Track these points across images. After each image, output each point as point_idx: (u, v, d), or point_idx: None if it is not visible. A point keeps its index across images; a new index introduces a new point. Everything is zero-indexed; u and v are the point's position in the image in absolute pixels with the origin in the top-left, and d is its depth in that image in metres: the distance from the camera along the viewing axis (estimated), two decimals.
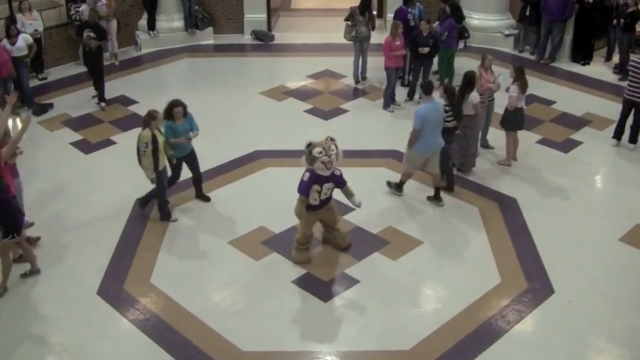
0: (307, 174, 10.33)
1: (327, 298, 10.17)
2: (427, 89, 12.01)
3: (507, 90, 13.21)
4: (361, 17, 16.91)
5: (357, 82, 17.40)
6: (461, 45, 17.60)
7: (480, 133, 13.60)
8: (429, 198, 12.49)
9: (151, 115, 11.21)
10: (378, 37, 18.47)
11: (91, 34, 15.43)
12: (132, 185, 12.81)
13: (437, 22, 16.95)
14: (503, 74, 14.04)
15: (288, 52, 19.78)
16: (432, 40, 15.73)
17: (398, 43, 15.56)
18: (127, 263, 10.90)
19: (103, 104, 16.05)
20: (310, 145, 10.18)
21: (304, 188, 10.37)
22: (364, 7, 17.09)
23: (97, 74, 16.11)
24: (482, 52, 14.71)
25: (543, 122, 15.28)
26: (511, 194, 12.63)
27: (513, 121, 13.17)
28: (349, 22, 17.00)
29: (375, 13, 18.15)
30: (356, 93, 16.91)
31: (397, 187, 12.69)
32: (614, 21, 17.61)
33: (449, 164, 12.70)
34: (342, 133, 13.39)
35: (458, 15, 17.02)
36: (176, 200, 12.45)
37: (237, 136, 14.63)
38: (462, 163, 13.18)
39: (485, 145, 13.92)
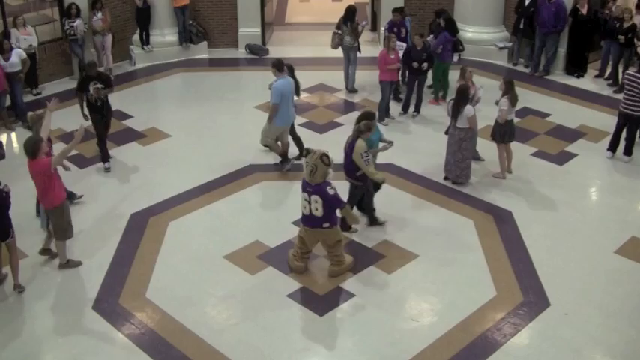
0: (331, 186, 10.39)
1: (322, 312, 10.15)
2: (279, 66, 13.21)
3: (497, 103, 13.28)
4: (344, 27, 17.15)
5: (346, 88, 17.82)
6: (455, 58, 17.63)
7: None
8: (276, 164, 13.84)
9: (369, 127, 11.29)
10: (371, 51, 18.56)
11: (99, 85, 13.64)
12: (127, 199, 12.86)
13: (431, 36, 16.99)
14: (483, 86, 14.11)
15: None
16: (425, 54, 15.76)
17: (392, 56, 15.59)
18: (122, 278, 10.87)
19: (107, 165, 14.15)
20: (326, 156, 10.32)
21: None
22: (347, 17, 17.30)
23: (107, 126, 14.20)
24: (470, 65, 14.81)
25: (538, 135, 15.31)
26: (506, 207, 12.64)
27: (503, 133, 13.20)
28: (338, 31, 17.32)
29: (365, 23, 18.15)
30: (351, 107, 16.93)
31: (282, 163, 13.73)
32: (608, 38, 17.65)
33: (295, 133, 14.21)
34: (337, 146, 13.35)
35: (452, 28, 17.08)
36: (171, 214, 12.47)
37: (231, 151, 14.61)
38: (458, 176, 13.19)
39: (476, 157, 13.91)
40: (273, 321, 9.98)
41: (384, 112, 15.91)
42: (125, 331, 9.81)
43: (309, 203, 10.38)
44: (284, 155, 13.77)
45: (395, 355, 9.35)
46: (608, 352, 9.45)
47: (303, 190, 10.48)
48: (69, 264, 11.09)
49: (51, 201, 10.62)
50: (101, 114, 13.89)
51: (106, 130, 14.14)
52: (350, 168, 11.40)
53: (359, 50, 17.57)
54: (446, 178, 13.38)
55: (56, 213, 10.73)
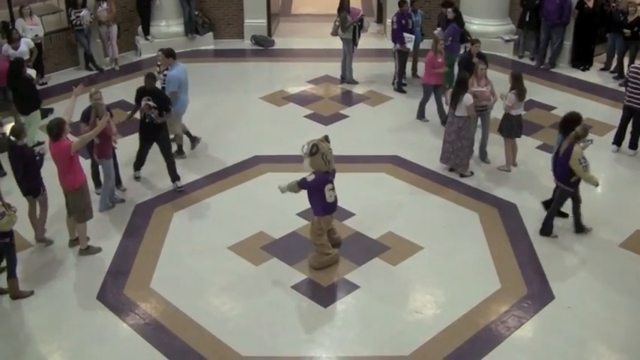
0: None
1: (326, 304, 10.17)
2: (172, 54, 13.78)
3: (501, 97, 13.22)
4: (338, 18, 17.27)
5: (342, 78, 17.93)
6: (462, 50, 17.58)
7: (480, 142, 13.67)
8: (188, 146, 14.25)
9: (586, 130, 11.30)
10: (375, 43, 18.55)
11: (151, 103, 12.40)
12: (133, 189, 12.86)
13: (438, 29, 16.94)
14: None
15: (288, 57, 19.80)
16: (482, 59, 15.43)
17: (440, 60, 15.08)
18: (126, 268, 10.90)
19: (178, 183, 12.98)
20: (326, 136, 10.62)
21: None
22: (339, 8, 17.42)
23: (164, 153, 12.93)
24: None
25: (543, 128, 15.27)
26: (511, 200, 12.63)
27: (510, 127, 13.18)
28: (337, 19, 17.38)
29: (365, 20, 18.00)
30: (356, 98, 16.90)
31: (193, 142, 14.30)
32: (614, 31, 17.57)
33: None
34: (342, 138, 13.43)
35: (458, 21, 17.03)
36: (175, 205, 12.50)
37: (236, 141, 14.62)
38: (457, 164, 13.24)
39: (483, 159, 13.83)
40: (276, 312, 10.00)
41: (422, 110, 15.72)
42: (129, 322, 9.83)
43: (334, 190, 10.53)
44: (189, 135, 14.28)
45: (398, 348, 9.36)
46: (611, 345, 9.45)
47: (327, 182, 10.42)
48: (89, 250, 11.20)
49: (71, 182, 10.81)
50: (150, 134, 12.74)
51: (166, 157, 12.88)
52: (565, 175, 11.27)
53: (354, 44, 17.47)
54: (451, 170, 13.37)
55: (76, 195, 10.91)
